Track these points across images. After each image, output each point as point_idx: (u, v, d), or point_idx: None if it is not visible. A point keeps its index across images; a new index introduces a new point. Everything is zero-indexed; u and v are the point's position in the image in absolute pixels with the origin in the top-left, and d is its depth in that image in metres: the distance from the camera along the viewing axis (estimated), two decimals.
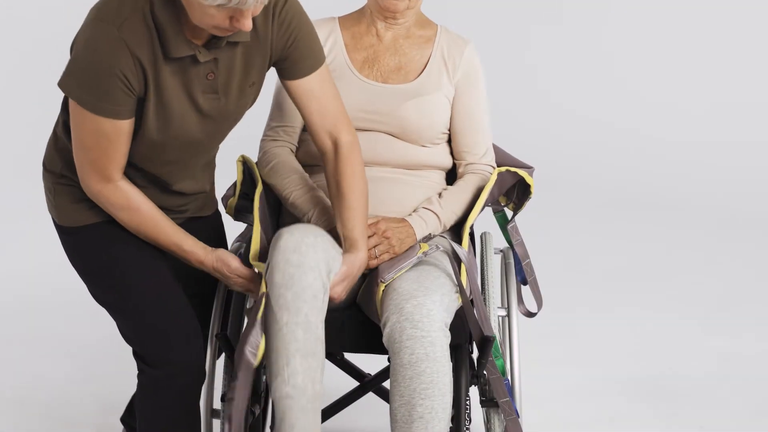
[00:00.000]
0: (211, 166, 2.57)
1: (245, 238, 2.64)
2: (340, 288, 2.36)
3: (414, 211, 2.57)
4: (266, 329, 2.28)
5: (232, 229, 2.74)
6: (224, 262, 2.39)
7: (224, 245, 2.59)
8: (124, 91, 2.23)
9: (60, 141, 2.42)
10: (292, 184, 2.58)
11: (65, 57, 2.32)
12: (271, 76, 2.48)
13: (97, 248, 2.41)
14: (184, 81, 2.29)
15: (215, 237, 2.59)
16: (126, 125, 2.27)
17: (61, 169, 2.42)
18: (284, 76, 2.43)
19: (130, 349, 2.76)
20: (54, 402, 3.22)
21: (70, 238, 2.46)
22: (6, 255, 4.44)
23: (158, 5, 2.22)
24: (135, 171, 2.39)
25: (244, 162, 2.62)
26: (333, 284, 2.34)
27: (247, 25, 2.18)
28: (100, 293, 2.44)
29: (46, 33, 5.73)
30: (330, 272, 2.31)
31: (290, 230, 2.32)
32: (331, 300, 2.34)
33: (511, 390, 2.51)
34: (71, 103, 2.27)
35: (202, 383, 2.42)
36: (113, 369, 3.38)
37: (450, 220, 2.59)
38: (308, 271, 2.26)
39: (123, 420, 2.80)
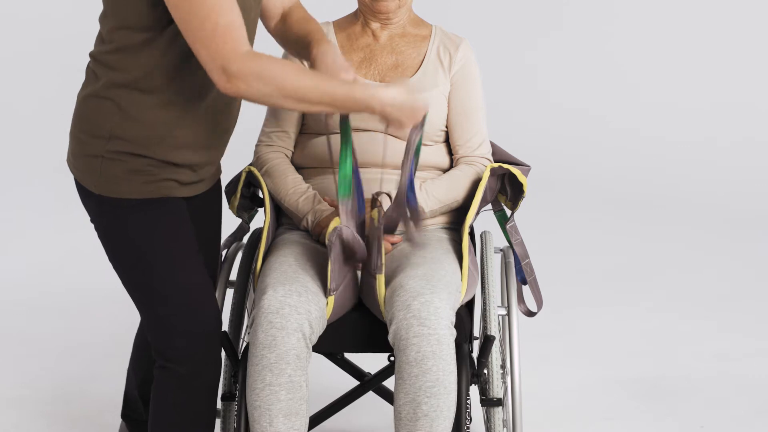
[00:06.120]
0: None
1: (237, 237, 2.68)
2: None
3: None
4: (248, 387, 2.29)
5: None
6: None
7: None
8: None
9: (107, 99, 2.24)
10: (285, 188, 2.58)
11: (61, 52, 2.26)
12: None
13: (135, 231, 2.26)
14: None
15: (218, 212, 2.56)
16: None
17: (111, 129, 2.23)
18: None
19: (129, 348, 2.76)
20: (54, 402, 3.22)
21: (110, 210, 2.27)
22: (5, 255, 4.44)
23: None
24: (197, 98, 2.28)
25: (250, 172, 2.59)
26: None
27: None
28: (132, 278, 2.31)
29: (44, 31, 5.73)
30: (313, 332, 2.31)
31: (273, 287, 2.31)
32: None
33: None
34: None
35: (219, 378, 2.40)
36: (113, 368, 3.37)
37: (431, 204, 2.56)
38: (291, 333, 2.28)
39: (123, 415, 2.78)
